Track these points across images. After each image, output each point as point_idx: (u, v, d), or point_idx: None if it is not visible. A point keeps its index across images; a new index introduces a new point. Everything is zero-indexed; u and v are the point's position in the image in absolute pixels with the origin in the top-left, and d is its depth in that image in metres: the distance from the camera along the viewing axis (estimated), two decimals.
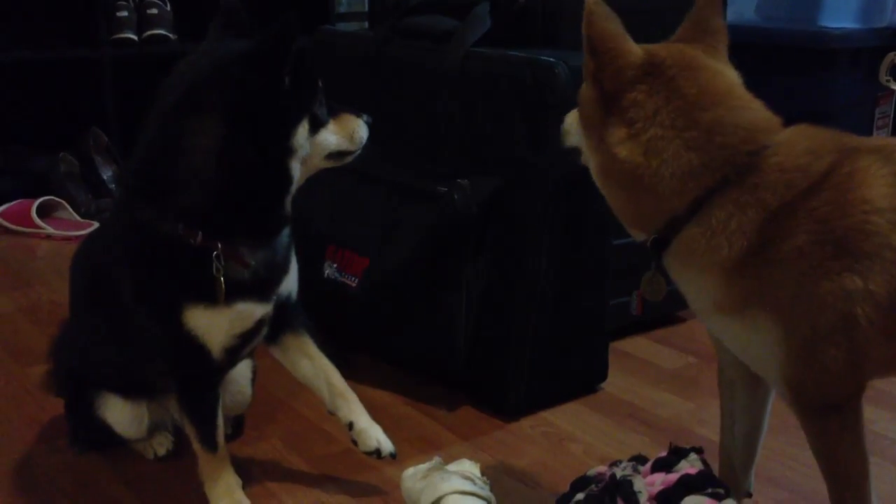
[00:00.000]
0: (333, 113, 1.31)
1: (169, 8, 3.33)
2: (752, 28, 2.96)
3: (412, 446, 1.62)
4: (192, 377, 1.37)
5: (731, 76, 1.16)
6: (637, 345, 2.05)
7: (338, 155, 1.34)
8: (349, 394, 1.47)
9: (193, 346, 1.28)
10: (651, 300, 1.28)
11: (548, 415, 1.73)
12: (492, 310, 1.70)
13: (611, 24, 1.12)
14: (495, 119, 1.65)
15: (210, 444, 1.39)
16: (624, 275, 1.89)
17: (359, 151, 1.36)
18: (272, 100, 1.18)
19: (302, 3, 3.64)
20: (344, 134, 1.32)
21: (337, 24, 3.56)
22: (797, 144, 1.09)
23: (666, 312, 2.14)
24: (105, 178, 3.15)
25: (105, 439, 1.56)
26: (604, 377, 1.84)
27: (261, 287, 1.31)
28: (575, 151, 1.24)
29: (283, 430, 1.60)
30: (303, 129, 1.23)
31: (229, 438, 1.64)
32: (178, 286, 1.25)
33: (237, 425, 1.66)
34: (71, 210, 2.98)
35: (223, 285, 1.23)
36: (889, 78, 2.80)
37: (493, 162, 1.65)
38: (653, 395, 1.82)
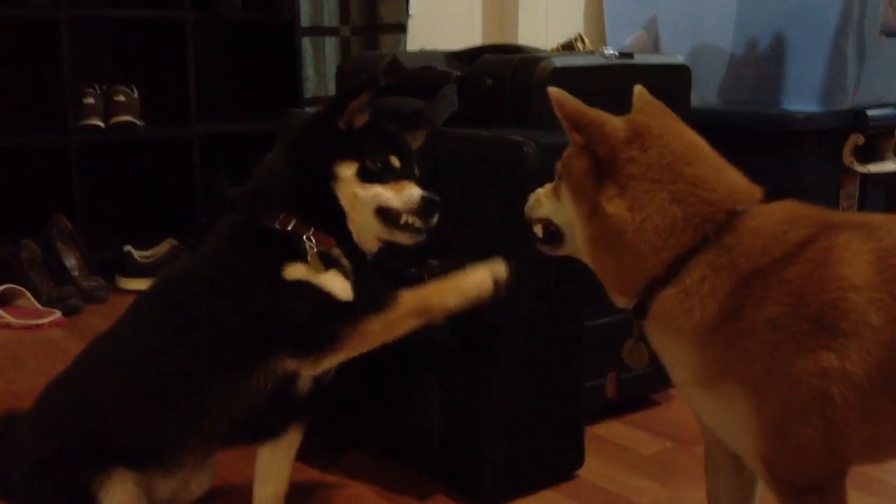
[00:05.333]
0: (397, 178, 1.45)
1: (136, 95, 3.33)
2: (716, 111, 3.01)
3: None
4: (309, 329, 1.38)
5: (706, 143, 1.18)
6: (613, 429, 2.01)
7: (388, 216, 1.43)
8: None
9: (305, 293, 1.38)
10: (633, 368, 1.29)
11: (524, 503, 1.67)
12: (465, 393, 1.66)
13: (579, 103, 1.17)
14: (466, 198, 1.64)
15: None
16: (597, 356, 1.86)
17: (415, 222, 1.44)
18: (323, 137, 1.46)
19: (273, 87, 3.69)
20: (394, 191, 1.44)
21: (305, 108, 3.57)
22: (776, 213, 1.11)
23: (641, 395, 2.10)
24: (68, 265, 3.09)
25: None
26: (580, 463, 1.79)
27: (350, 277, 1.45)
28: (545, 223, 1.28)
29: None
30: (348, 167, 1.43)
31: None
32: (279, 255, 1.40)
33: None
34: (32, 298, 2.91)
35: (315, 251, 1.40)
36: (853, 159, 2.85)
37: (465, 241, 1.64)
38: (631, 482, 1.78)
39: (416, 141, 1.57)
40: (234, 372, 1.40)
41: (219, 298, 1.41)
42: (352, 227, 1.45)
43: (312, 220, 1.43)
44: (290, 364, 1.39)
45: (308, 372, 1.41)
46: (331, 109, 1.47)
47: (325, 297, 1.39)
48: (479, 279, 1.40)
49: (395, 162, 1.46)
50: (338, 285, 1.42)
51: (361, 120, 1.46)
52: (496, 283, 1.40)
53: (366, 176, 1.43)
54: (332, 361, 1.40)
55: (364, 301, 1.41)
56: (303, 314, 1.37)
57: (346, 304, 1.41)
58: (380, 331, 1.37)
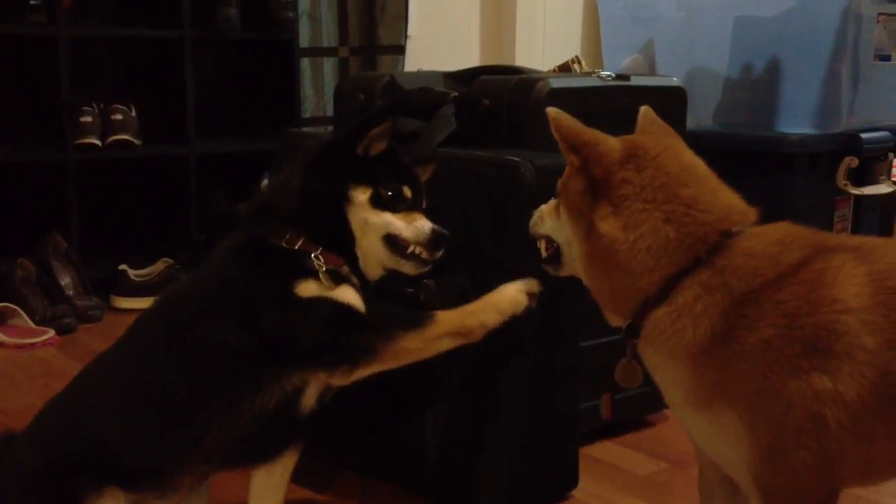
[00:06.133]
0: (407, 209, 1.47)
1: (134, 114, 3.33)
2: (711, 134, 3.02)
3: None
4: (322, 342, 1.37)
5: (704, 164, 1.19)
6: (607, 450, 2.00)
7: (396, 245, 1.45)
8: None
9: (318, 309, 1.38)
10: (627, 388, 1.29)
11: None
12: (461, 415, 1.65)
13: (577, 123, 1.18)
14: (462, 218, 1.64)
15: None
16: (593, 378, 1.85)
17: (422, 253, 1.45)
18: (341, 161, 1.47)
19: (271, 106, 3.70)
20: (405, 221, 1.46)
21: (302, 128, 3.58)
22: (770, 234, 1.11)
23: (635, 417, 2.10)
24: (62, 284, 3.07)
25: None
26: (574, 484, 1.78)
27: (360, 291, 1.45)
28: (548, 240, 1.30)
29: None
30: (363, 193, 1.45)
31: None
32: (289, 273, 1.41)
33: None
34: (25, 317, 2.90)
35: (324, 268, 1.41)
36: (847, 182, 2.86)
37: (461, 261, 1.64)
38: (625, 503, 1.77)
39: (424, 174, 1.59)
40: (237, 392, 1.39)
41: (223, 317, 1.40)
42: (359, 252, 1.46)
43: (321, 241, 1.43)
44: (320, 376, 1.39)
45: (339, 383, 1.41)
46: (351, 135, 1.49)
47: (348, 310, 1.40)
48: (514, 296, 1.42)
49: (408, 192, 1.48)
50: (354, 299, 1.42)
51: (379, 148, 1.48)
52: (530, 297, 1.43)
53: (378, 203, 1.45)
54: (364, 373, 1.40)
55: (401, 317, 1.42)
56: (329, 327, 1.38)
57: (378, 317, 1.42)
58: (415, 348, 1.39)
